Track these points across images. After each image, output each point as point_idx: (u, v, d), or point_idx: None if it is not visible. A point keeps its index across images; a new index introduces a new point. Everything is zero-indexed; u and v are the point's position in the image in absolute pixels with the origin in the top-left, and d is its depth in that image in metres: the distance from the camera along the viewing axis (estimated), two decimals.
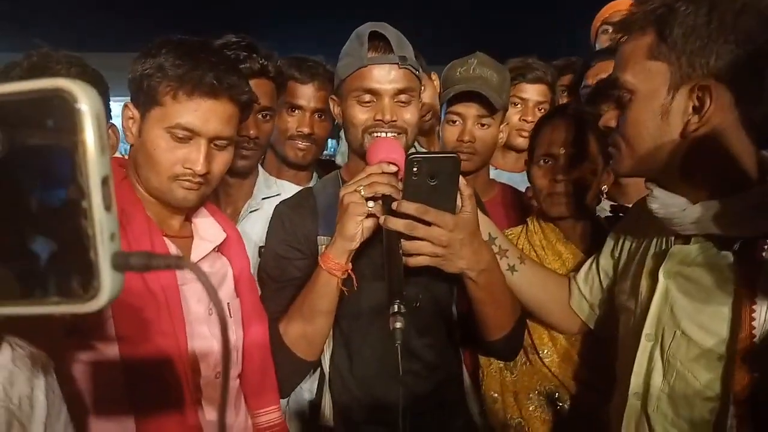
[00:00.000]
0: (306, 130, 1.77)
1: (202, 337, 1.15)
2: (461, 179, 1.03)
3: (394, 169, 1.08)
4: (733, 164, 0.90)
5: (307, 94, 1.78)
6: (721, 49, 0.84)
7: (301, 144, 1.80)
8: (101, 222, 0.35)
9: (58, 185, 0.35)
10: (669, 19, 0.85)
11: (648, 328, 1.00)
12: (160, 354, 1.06)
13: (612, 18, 2.20)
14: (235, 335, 1.22)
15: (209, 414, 1.15)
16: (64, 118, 0.35)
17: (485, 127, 1.62)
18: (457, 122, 1.64)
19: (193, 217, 1.25)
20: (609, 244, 1.27)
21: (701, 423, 0.90)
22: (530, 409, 1.47)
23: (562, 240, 1.48)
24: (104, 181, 0.35)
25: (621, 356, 1.10)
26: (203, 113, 1.07)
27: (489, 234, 1.26)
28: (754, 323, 0.82)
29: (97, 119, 0.35)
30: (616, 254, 1.23)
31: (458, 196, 1.05)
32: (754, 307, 0.82)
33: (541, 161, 1.46)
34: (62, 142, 0.35)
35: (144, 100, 1.09)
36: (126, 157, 1.20)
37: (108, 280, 0.35)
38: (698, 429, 0.91)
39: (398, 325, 0.93)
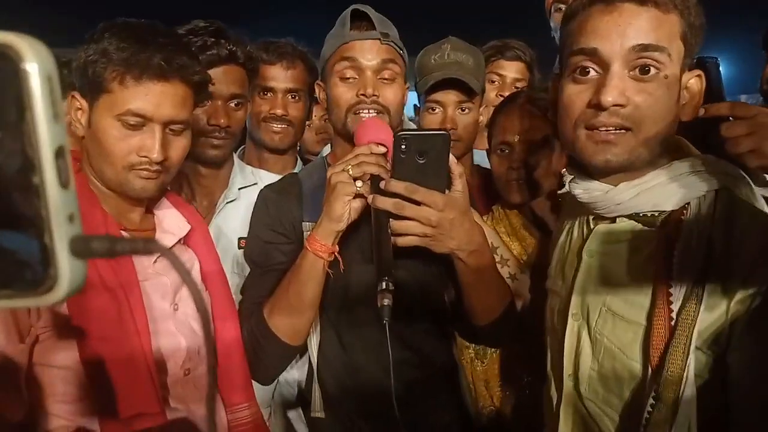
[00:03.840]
0: (279, 111, 1.72)
1: (168, 334, 1.10)
2: (451, 157, 1.01)
3: (383, 149, 1.05)
4: (673, 148, 0.94)
5: (276, 74, 1.72)
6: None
7: (276, 126, 1.74)
8: (56, 201, 0.30)
9: (5, 159, 0.30)
10: (689, 7, 0.87)
11: (574, 307, 1.00)
12: (122, 354, 1.01)
13: None
14: (204, 328, 1.17)
15: (178, 412, 1.10)
16: (9, 80, 0.29)
17: (466, 111, 1.59)
18: (437, 110, 1.60)
19: (155, 209, 1.19)
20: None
21: (630, 398, 0.91)
22: (501, 396, 1.47)
23: (526, 226, 1.49)
24: (58, 153, 0.30)
25: (550, 340, 1.10)
26: (154, 97, 1.01)
27: (491, 243, 1.25)
28: (671, 290, 0.84)
29: (48, 80, 0.30)
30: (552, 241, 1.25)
31: (449, 175, 1.02)
32: (670, 276, 0.84)
33: (498, 150, 1.47)
34: (7, 109, 0.30)
35: (90, 88, 1.03)
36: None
37: (67, 269, 0.30)
38: (627, 405, 0.91)
39: (386, 302, 0.91)
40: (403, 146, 0.97)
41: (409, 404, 1.18)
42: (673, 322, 0.83)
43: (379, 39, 1.18)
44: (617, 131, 0.87)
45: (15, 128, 0.30)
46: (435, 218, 1.00)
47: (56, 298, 0.30)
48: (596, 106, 0.87)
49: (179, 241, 1.19)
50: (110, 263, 1.03)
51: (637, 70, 0.86)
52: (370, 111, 1.19)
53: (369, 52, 1.19)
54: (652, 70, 0.85)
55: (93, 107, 1.03)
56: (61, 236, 0.30)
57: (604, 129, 0.88)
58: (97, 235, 0.30)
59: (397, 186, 0.98)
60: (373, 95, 1.18)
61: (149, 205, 1.17)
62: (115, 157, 1.02)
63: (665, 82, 0.86)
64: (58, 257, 0.30)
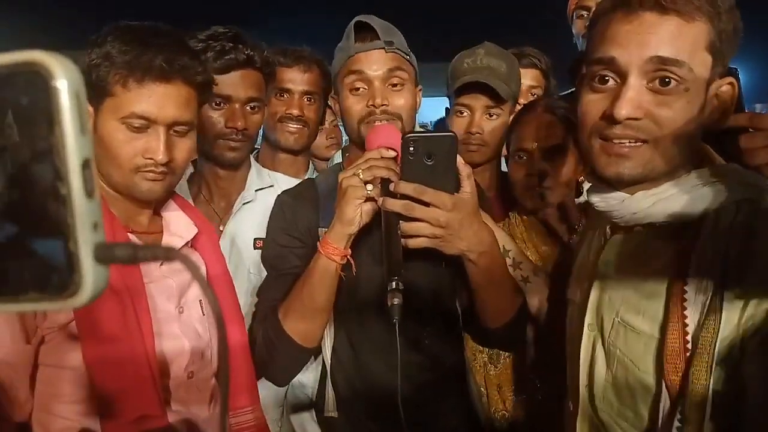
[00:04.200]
0: (295, 111, 1.77)
1: (172, 336, 1.11)
2: (459, 159, 1.02)
3: (392, 154, 1.06)
4: (697, 157, 0.92)
5: (293, 77, 1.77)
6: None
7: (292, 127, 1.79)
8: (82, 210, 0.32)
9: (34, 170, 0.32)
10: (721, 13, 0.83)
11: (589, 318, 1.00)
12: (126, 356, 1.01)
13: (586, 1, 2.13)
14: (209, 333, 1.18)
15: (180, 415, 1.10)
16: (40, 96, 0.31)
17: (494, 117, 1.60)
18: (465, 114, 1.62)
19: (162, 211, 1.20)
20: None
21: (644, 411, 0.90)
22: (513, 401, 1.48)
23: (541, 233, 1.50)
24: (85, 165, 0.32)
25: (569, 350, 1.10)
26: (157, 99, 1.03)
27: (503, 246, 1.26)
28: (685, 303, 0.82)
29: (76, 96, 0.31)
30: (575, 251, 1.24)
31: (457, 177, 1.03)
32: (686, 288, 0.83)
33: (516, 156, 1.48)
34: (38, 123, 0.31)
35: (95, 92, 1.04)
36: None
37: (91, 274, 0.32)
38: (642, 419, 0.90)
39: (396, 301, 0.92)
40: (411, 148, 0.98)
41: (417, 406, 1.19)
42: (688, 336, 0.81)
43: (384, 48, 1.20)
44: (632, 144, 0.85)
45: (45, 141, 0.31)
46: (444, 219, 1.00)
47: (80, 302, 0.32)
48: (610, 118, 0.85)
49: (186, 244, 1.20)
50: (116, 266, 1.04)
51: (656, 81, 0.83)
52: (382, 121, 1.20)
53: (375, 63, 1.20)
54: (672, 83, 0.82)
55: (98, 111, 1.04)
56: (86, 243, 0.32)
57: (617, 141, 0.86)
58: (120, 243, 0.32)
59: (406, 188, 0.99)
60: (383, 105, 1.19)
61: (156, 207, 1.18)
62: (122, 160, 1.03)
63: (686, 94, 0.83)
64: (82, 263, 0.32)
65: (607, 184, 0.93)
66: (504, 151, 1.69)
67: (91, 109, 1.05)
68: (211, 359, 1.19)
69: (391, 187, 1.01)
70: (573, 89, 2.16)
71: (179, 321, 1.13)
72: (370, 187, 1.04)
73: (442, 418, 1.27)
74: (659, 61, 0.81)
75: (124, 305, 1.02)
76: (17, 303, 0.32)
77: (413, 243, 1.03)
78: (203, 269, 1.22)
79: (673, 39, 0.81)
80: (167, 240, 1.17)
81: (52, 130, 0.31)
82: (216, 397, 1.22)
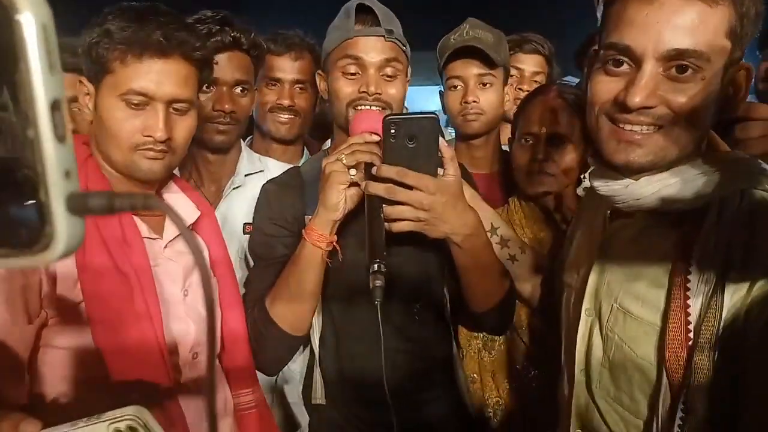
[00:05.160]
0: (286, 101, 1.73)
1: (178, 318, 1.10)
2: (442, 141, 1.00)
3: (376, 138, 1.04)
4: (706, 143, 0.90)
5: (284, 65, 1.73)
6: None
7: (283, 117, 1.76)
8: (52, 155, 0.29)
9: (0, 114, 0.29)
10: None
11: (586, 302, 0.98)
12: (136, 337, 1.01)
13: None
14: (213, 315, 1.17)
15: (188, 395, 1.10)
16: (3, 31, 0.28)
17: (487, 86, 1.58)
18: (459, 87, 1.60)
19: (164, 194, 1.19)
20: (571, 226, 1.25)
21: (640, 397, 0.89)
22: (507, 387, 1.46)
23: (542, 219, 1.47)
24: (54, 106, 0.29)
25: (565, 334, 1.08)
26: (156, 75, 1.01)
27: (491, 224, 1.23)
28: (688, 293, 0.80)
29: (43, 30, 0.29)
30: (567, 234, 1.22)
31: (440, 159, 1.01)
32: (689, 277, 0.81)
33: (522, 140, 1.45)
34: (2, 61, 0.29)
35: (95, 70, 1.03)
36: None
37: (63, 226, 0.29)
38: (637, 404, 0.89)
39: (378, 283, 0.90)
40: (393, 131, 0.96)
41: (404, 393, 1.18)
42: (690, 326, 0.80)
43: (384, 36, 1.17)
44: (644, 131, 0.82)
45: (9, 81, 0.29)
46: (427, 202, 0.98)
47: (53, 256, 0.30)
48: (622, 105, 0.82)
49: (188, 227, 1.19)
50: (123, 248, 1.03)
51: (673, 69, 0.79)
52: (372, 107, 1.18)
53: (373, 50, 1.17)
54: (689, 71, 0.79)
55: (98, 90, 1.04)
56: (57, 193, 0.29)
57: (629, 127, 0.83)
58: (94, 191, 0.29)
59: (388, 171, 0.97)
60: (376, 93, 1.17)
61: (158, 189, 1.17)
62: (121, 139, 1.02)
63: (702, 81, 0.79)
64: (54, 214, 0.29)
65: (613, 169, 0.90)
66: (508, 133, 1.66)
67: (92, 88, 1.05)
68: (217, 341, 1.18)
69: (374, 170, 0.99)
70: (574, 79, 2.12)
71: (184, 303, 1.12)
72: (353, 172, 1.02)
73: (429, 406, 1.26)
74: (677, 54, 0.78)
75: (132, 287, 1.02)
76: None
77: (397, 227, 1.01)
78: (205, 253, 1.20)
79: (694, 28, 0.77)
80: (170, 222, 1.15)
81: (17, 67, 0.28)
82: (221, 378, 1.21)
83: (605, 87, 0.85)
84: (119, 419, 0.71)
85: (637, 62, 0.81)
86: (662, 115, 0.81)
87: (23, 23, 0.28)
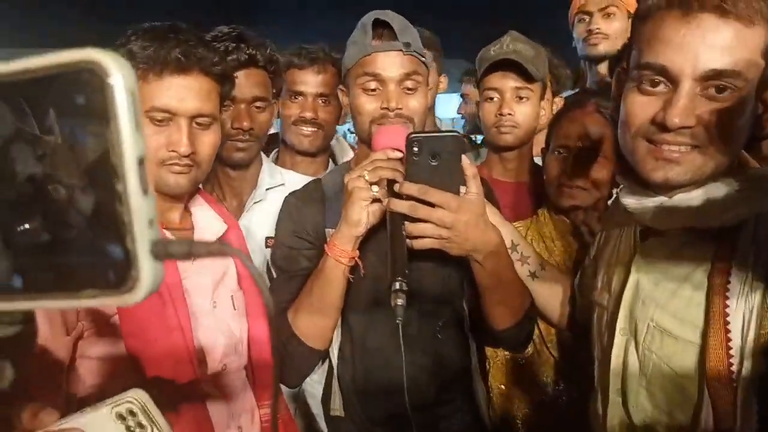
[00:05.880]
0: (309, 114, 1.76)
1: (207, 330, 1.13)
2: (465, 158, 1.01)
3: (398, 155, 1.06)
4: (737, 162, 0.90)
5: (306, 79, 1.76)
6: None
7: (306, 130, 1.78)
8: (138, 207, 0.32)
9: (91, 168, 0.32)
10: None
11: (621, 322, 0.98)
12: (167, 349, 1.04)
13: (588, 6, 2.15)
14: (240, 328, 1.20)
15: (217, 406, 1.13)
16: (95, 94, 0.31)
17: (524, 100, 1.60)
18: (495, 98, 1.62)
19: (192, 208, 1.22)
20: (594, 242, 1.25)
21: (680, 416, 0.88)
22: (537, 400, 1.46)
23: (571, 233, 1.47)
24: (140, 162, 0.32)
25: (598, 353, 1.08)
26: (177, 91, 1.05)
27: (511, 241, 1.25)
28: (727, 309, 0.80)
29: (131, 94, 0.32)
30: (593, 252, 1.22)
31: (463, 177, 1.02)
32: (727, 294, 0.81)
33: (556, 152, 1.45)
34: (94, 121, 0.32)
35: None
36: None
37: (147, 270, 0.32)
38: (677, 422, 0.88)
39: (399, 302, 0.92)
40: (416, 149, 0.98)
41: (424, 408, 1.19)
42: (731, 343, 0.79)
43: (402, 50, 1.17)
44: (682, 149, 0.83)
45: (101, 139, 0.32)
46: (449, 220, 1.00)
47: (137, 298, 0.32)
48: (661, 125, 0.82)
49: (216, 240, 1.22)
50: None
51: (711, 89, 0.79)
52: (394, 122, 1.18)
53: (391, 65, 1.17)
54: (727, 91, 0.79)
55: None
56: (142, 240, 0.32)
57: (667, 146, 0.83)
58: (176, 239, 0.32)
59: (411, 188, 0.99)
60: (397, 108, 1.18)
61: (186, 203, 1.20)
62: (147, 154, 1.05)
63: (739, 100, 0.80)
64: (139, 259, 0.32)
65: (646, 186, 0.90)
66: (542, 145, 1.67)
67: None
68: (243, 352, 1.21)
69: (396, 187, 1.00)
70: (576, 90, 2.12)
71: (213, 316, 1.15)
72: (375, 188, 1.04)
73: (448, 420, 1.27)
74: (715, 75, 0.78)
75: (164, 300, 1.05)
76: (77, 298, 0.33)
77: (418, 244, 1.03)
78: (232, 266, 1.23)
79: (731, 48, 0.77)
80: (199, 236, 1.18)
81: (108, 127, 0.31)
82: (246, 387, 1.24)
83: (641, 107, 0.85)
84: (119, 403, 0.76)
85: (674, 82, 0.81)
86: (699, 134, 0.81)
87: (115, 86, 0.31)
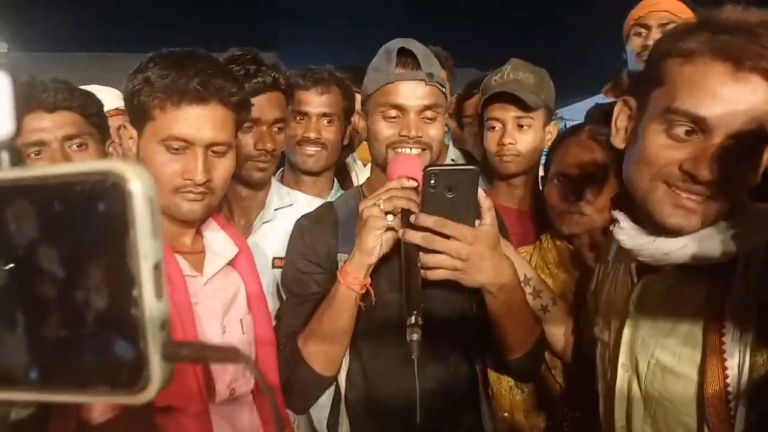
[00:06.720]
0: (312, 134, 1.77)
1: None
2: (480, 191, 1.02)
3: (413, 184, 1.07)
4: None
5: (310, 99, 1.78)
6: None
7: (310, 149, 1.79)
8: (152, 311, 0.33)
9: (108, 271, 0.33)
10: None
11: (622, 358, 0.98)
12: (176, 371, 1.04)
13: (647, 19, 2.08)
14: (248, 352, 1.21)
15: (222, 428, 1.14)
16: (115, 201, 0.32)
17: (524, 128, 1.62)
18: (497, 128, 1.64)
19: (204, 230, 1.23)
20: (593, 276, 1.25)
21: None
22: (541, 427, 1.46)
23: (575, 259, 1.47)
24: (156, 267, 0.33)
25: (601, 388, 1.08)
26: (194, 121, 1.05)
27: (524, 275, 1.25)
28: (724, 346, 0.81)
29: (150, 202, 0.33)
30: (593, 286, 1.22)
31: (478, 209, 1.03)
32: (723, 331, 0.81)
33: (555, 180, 1.46)
34: (112, 227, 0.33)
35: (137, 116, 1.08)
36: None
37: (157, 372, 0.33)
38: None
39: (415, 337, 0.93)
40: (433, 181, 0.99)
41: None
42: (728, 379, 0.80)
43: (425, 80, 1.19)
44: (701, 199, 0.83)
45: (119, 245, 0.33)
46: (464, 252, 1.01)
47: (147, 397, 0.33)
48: (689, 175, 0.81)
49: (227, 263, 1.22)
50: (166, 282, 1.07)
51: (745, 145, 0.79)
52: (412, 149, 1.20)
53: (413, 95, 1.19)
54: (758, 150, 0.80)
55: (141, 135, 1.08)
56: (154, 342, 0.33)
57: (686, 194, 0.83)
58: (186, 342, 0.33)
59: (427, 220, 1.00)
60: (417, 136, 1.19)
61: (199, 226, 1.21)
62: (163, 182, 1.06)
63: (764, 157, 0.81)
64: (151, 361, 0.33)
65: (648, 224, 0.90)
66: (541, 172, 1.68)
67: (135, 133, 1.10)
68: (250, 376, 1.22)
69: (412, 219, 1.01)
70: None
71: (222, 340, 1.16)
72: (390, 217, 1.05)
73: None
74: (755, 133, 0.78)
75: (174, 324, 1.06)
76: (90, 395, 0.34)
77: (433, 275, 1.03)
78: (242, 288, 1.24)
79: None
80: (210, 259, 1.20)
81: (127, 234, 0.32)
82: (253, 411, 1.25)
83: (668, 152, 0.84)
84: None
85: (708, 133, 0.80)
86: (722, 185, 0.81)
87: (135, 195, 0.32)
